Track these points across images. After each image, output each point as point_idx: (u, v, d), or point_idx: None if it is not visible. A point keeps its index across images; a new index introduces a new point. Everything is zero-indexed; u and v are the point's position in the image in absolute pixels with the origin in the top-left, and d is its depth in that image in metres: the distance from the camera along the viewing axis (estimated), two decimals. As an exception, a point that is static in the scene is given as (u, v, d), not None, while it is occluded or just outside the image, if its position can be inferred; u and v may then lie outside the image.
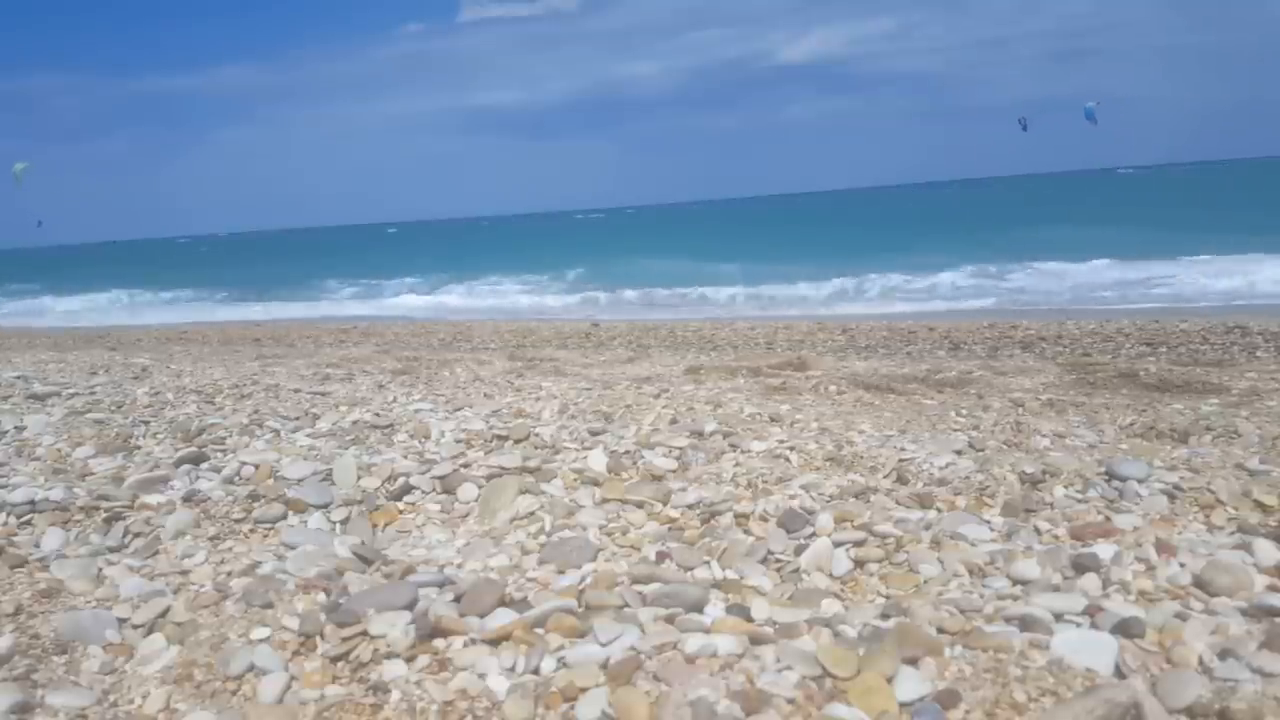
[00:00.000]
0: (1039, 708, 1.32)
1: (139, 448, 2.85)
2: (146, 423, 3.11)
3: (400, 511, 2.34)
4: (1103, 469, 2.43)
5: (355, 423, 3.09)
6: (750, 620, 1.62)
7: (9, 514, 2.23)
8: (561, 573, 1.88)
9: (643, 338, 8.73)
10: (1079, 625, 1.55)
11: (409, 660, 1.54)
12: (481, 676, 1.47)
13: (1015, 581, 1.75)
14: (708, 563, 1.91)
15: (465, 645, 1.56)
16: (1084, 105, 17.58)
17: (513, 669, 1.48)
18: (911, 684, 1.37)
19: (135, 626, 1.74)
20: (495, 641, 1.56)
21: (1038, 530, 2.04)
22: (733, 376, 4.76)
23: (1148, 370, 4.78)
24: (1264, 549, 1.83)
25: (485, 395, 3.81)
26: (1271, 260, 13.13)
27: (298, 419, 3.18)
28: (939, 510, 2.20)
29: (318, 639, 1.63)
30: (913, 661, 1.43)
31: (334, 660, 1.57)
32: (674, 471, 2.54)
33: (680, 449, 2.70)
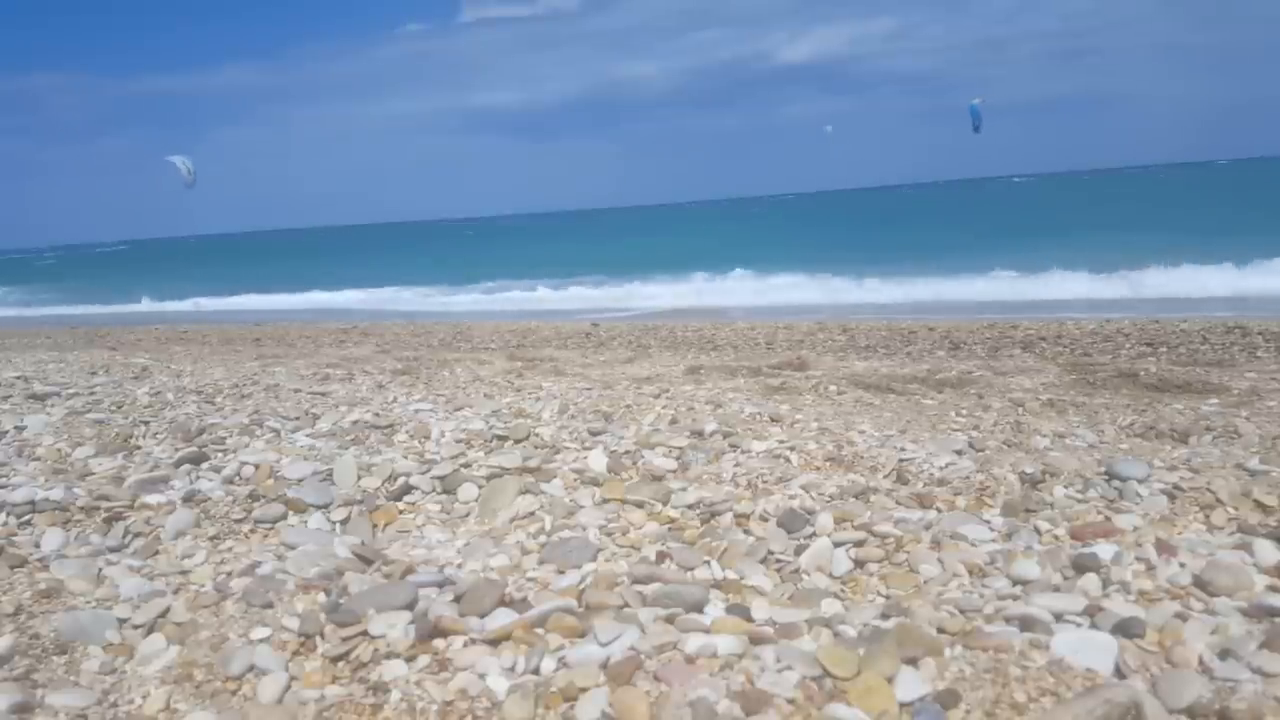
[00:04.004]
0: (1039, 708, 1.32)
1: (139, 448, 2.85)
2: (146, 423, 3.11)
3: (400, 511, 2.34)
4: (1103, 469, 2.43)
5: (355, 423, 3.09)
6: (750, 620, 1.62)
7: (9, 514, 2.23)
8: (561, 573, 1.88)
9: (642, 338, 8.73)
10: (1079, 625, 1.55)
11: (409, 660, 1.54)
12: (481, 676, 1.47)
13: (1015, 581, 1.75)
14: (708, 563, 1.91)
15: (465, 645, 1.56)
16: (970, 103, 16.19)
17: (513, 669, 1.48)
18: (911, 684, 1.37)
19: (135, 626, 1.74)
20: (495, 641, 1.56)
21: (1038, 530, 2.04)
22: (733, 376, 4.76)
23: (1148, 370, 4.78)
24: (1264, 549, 1.83)
25: (485, 395, 3.81)
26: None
27: (298, 419, 3.19)
28: (939, 510, 2.20)
29: (318, 639, 1.63)
30: (913, 661, 1.43)
31: (334, 660, 1.57)
32: (674, 471, 2.54)
33: (680, 449, 2.70)
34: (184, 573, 1.98)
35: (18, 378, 4.12)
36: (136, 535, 2.18)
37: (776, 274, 17.80)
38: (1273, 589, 1.67)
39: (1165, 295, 12.24)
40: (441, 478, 2.48)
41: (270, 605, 1.77)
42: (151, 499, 2.34)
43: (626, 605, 1.68)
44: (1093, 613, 1.58)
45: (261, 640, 1.64)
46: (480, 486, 2.42)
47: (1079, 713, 1.27)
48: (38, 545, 2.09)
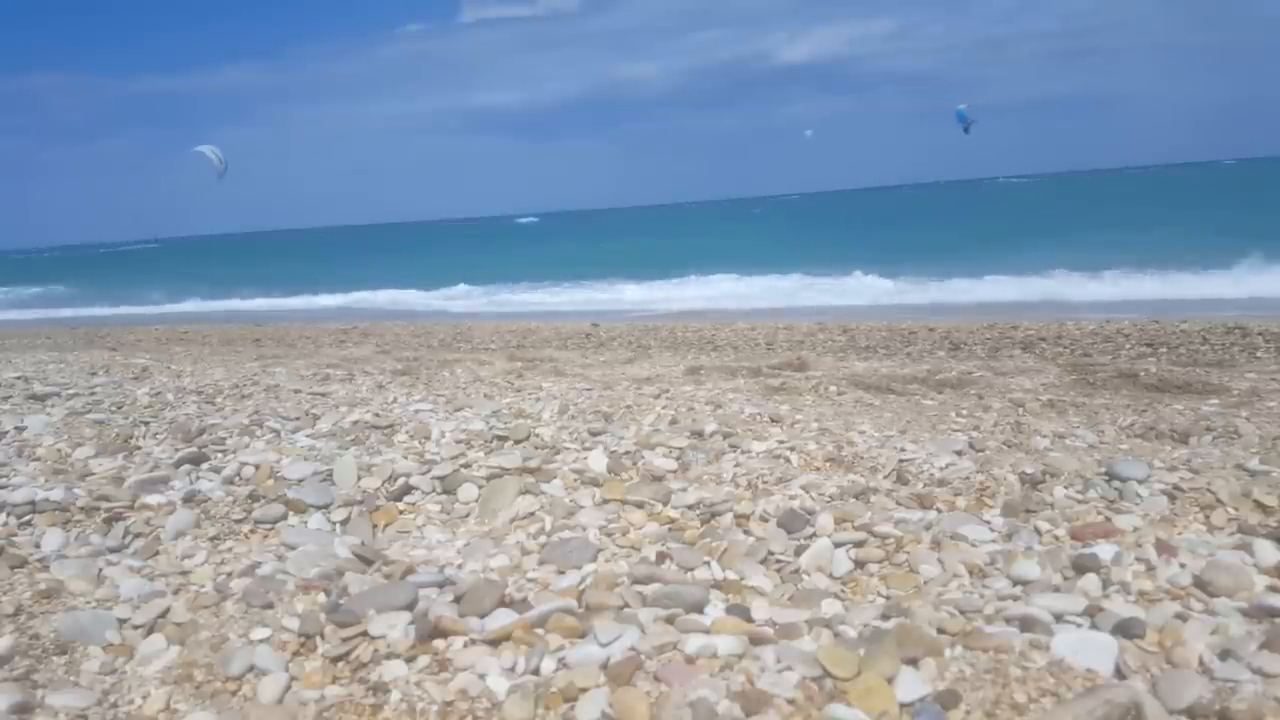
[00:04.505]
0: (1039, 708, 1.32)
1: (139, 448, 2.85)
2: (146, 423, 3.11)
3: (400, 512, 2.34)
4: (1103, 469, 2.43)
5: (355, 423, 3.09)
6: (750, 620, 1.62)
7: (9, 514, 2.23)
8: (562, 573, 1.88)
9: (642, 338, 8.73)
10: (1079, 626, 1.55)
11: (409, 661, 1.54)
12: (482, 677, 1.47)
13: (1015, 582, 1.75)
14: (708, 563, 1.91)
15: (465, 646, 1.56)
16: (957, 108, 16.59)
17: (513, 669, 1.48)
18: (912, 684, 1.37)
19: (135, 627, 1.74)
20: (495, 642, 1.56)
21: (1038, 531, 2.04)
22: (733, 377, 4.76)
23: (1148, 370, 4.78)
24: (1264, 549, 1.83)
25: (485, 395, 3.81)
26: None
27: (298, 419, 3.19)
28: (939, 511, 2.19)
29: (318, 639, 1.63)
30: (913, 662, 1.43)
31: (334, 660, 1.57)
32: (674, 472, 2.54)
33: (680, 449, 2.70)
34: (184, 573, 1.98)
35: (18, 378, 4.12)
36: (136, 535, 2.18)
37: (776, 274, 17.80)
38: (1273, 589, 1.67)
39: (1165, 295, 12.24)
40: (441, 478, 2.48)
41: (270, 605, 1.77)
42: (151, 499, 2.34)
43: (626, 606, 1.68)
44: (1093, 613, 1.58)
45: (261, 640, 1.64)
46: (480, 487, 2.42)
47: (1079, 713, 1.27)
48: (38, 545, 2.09)
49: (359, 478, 2.49)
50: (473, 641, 1.57)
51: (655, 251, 26.67)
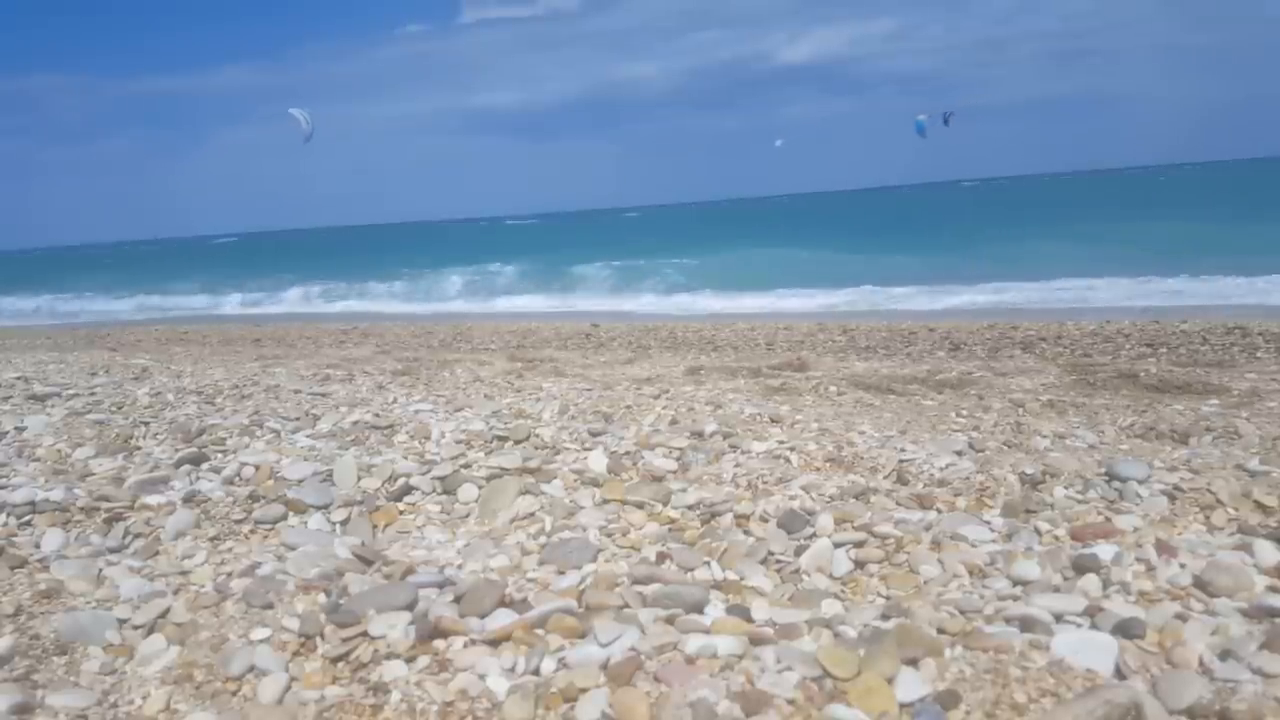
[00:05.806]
0: (1039, 708, 1.32)
1: (139, 448, 2.85)
2: (147, 423, 3.11)
3: (400, 512, 2.34)
4: (1103, 469, 2.43)
5: (355, 423, 3.09)
6: (750, 621, 1.62)
7: (9, 514, 2.23)
8: (562, 573, 1.88)
9: (642, 338, 8.73)
10: (1079, 626, 1.55)
11: (409, 661, 1.54)
12: (482, 677, 1.47)
13: (1015, 582, 1.75)
14: (708, 563, 1.91)
15: (465, 646, 1.56)
16: (916, 119, 16.84)
17: (513, 670, 1.48)
18: (912, 685, 1.37)
19: (135, 627, 1.74)
20: (495, 642, 1.56)
21: (1038, 531, 2.04)
22: (733, 377, 4.76)
23: (1148, 371, 4.78)
24: (1264, 550, 1.83)
25: (485, 396, 3.81)
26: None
27: (298, 420, 3.19)
28: (939, 511, 2.20)
29: (318, 639, 1.63)
30: (913, 662, 1.43)
31: (334, 661, 1.57)
32: (674, 472, 2.54)
33: (680, 450, 2.70)
34: (184, 573, 1.98)
35: (18, 378, 4.12)
36: (136, 536, 2.18)
37: (777, 275, 17.76)
38: (1273, 589, 1.67)
39: (1165, 296, 12.23)
40: (442, 478, 2.48)
41: (270, 606, 1.77)
42: (151, 499, 2.34)
43: (627, 606, 1.68)
44: (1093, 613, 1.58)
45: (261, 641, 1.64)
46: (480, 487, 2.42)
47: (1079, 713, 1.27)
48: (38, 546, 2.09)
49: (359, 478, 2.49)
50: (473, 642, 1.57)
51: (656, 252, 26.52)
